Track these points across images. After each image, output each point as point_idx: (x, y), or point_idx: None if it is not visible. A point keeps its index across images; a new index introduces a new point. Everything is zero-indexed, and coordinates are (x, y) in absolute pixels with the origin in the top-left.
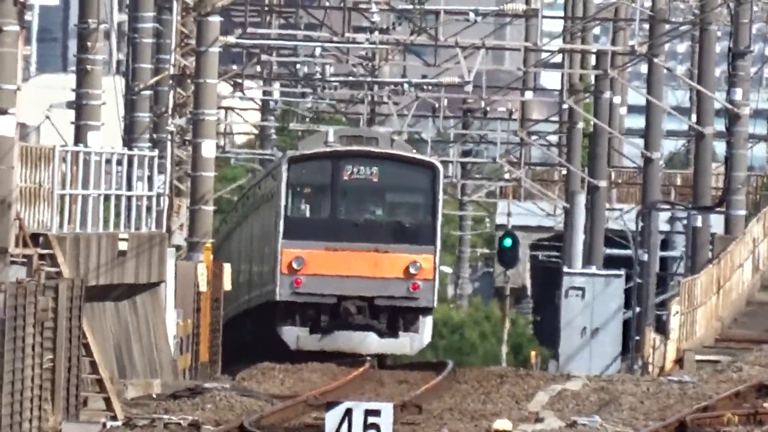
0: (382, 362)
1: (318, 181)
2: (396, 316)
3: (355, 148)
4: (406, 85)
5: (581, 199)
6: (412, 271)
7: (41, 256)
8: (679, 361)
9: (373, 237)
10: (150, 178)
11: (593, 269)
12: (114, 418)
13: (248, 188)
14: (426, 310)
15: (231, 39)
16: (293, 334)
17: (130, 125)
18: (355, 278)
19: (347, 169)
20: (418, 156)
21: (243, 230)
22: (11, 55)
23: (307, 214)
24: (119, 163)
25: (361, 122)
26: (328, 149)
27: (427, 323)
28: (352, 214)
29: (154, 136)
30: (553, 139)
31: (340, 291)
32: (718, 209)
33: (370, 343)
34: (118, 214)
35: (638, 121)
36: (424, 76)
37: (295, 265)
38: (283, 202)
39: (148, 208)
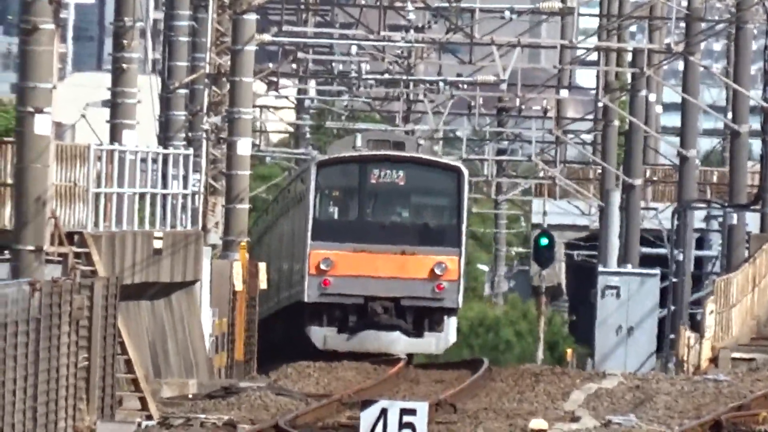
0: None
1: (346, 184)
2: (422, 317)
3: (382, 152)
4: (441, 84)
5: (616, 197)
6: (437, 272)
7: (77, 255)
8: (714, 360)
9: (400, 239)
10: (185, 177)
11: (628, 268)
12: (149, 417)
13: (280, 191)
14: (451, 311)
15: (267, 37)
16: (321, 334)
17: (166, 124)
18: (381, 279)
19: (374, 172)
20: (444, 160)
21: (274, 232)
22: (47, 53)
23: (335, 216)
24: (154, 161)
25: (397, 120)
26: (355, 153)
27: (452, 323)
28: (379, 216)
29: (190, 134)
30: (588, 137)
31: (367, 291)
32: (753, 207)
33: (397, 342)
34: (153, 213)
35: (674, 119)
36: (459, 75)
37: (323, 266)
38: (311, 205)
39: (184, 207)
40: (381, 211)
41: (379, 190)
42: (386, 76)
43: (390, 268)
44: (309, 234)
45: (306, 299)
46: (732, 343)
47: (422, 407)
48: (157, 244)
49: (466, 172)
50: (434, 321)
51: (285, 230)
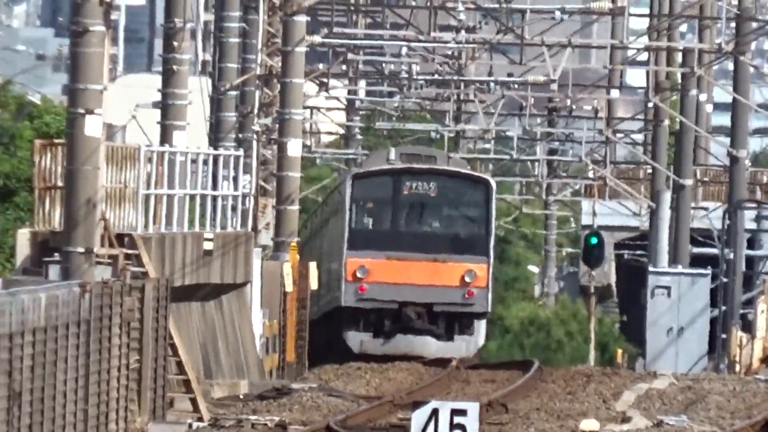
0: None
1: (380, 195)
2: (453, 321)
3: (414, 165)
4: (492, 84)
5: (667, 197)
6: (467, 279)
7: (127, 256)
8: (765, 360)
9: (431, 247)
10: (235, 178)
11: (679, 268)
12: (200, 418)
13: (321, 201)
14: (480, 315)
15: (317, 38)
16: (357, 339)
17: (216, 125)
18: (414, 286)
19: (407, 184)
20: (473, 172)
21: (316, 241)
22: (98, 55)
23: (370, 226)
24: (205, 162)
25: (447, 120)
26: (389, 166)
27: (481, 327)
28: (412, 226)
29: (240, 135)
30: (639, 137)
31: (401, 297)
32: None
33: (429, 346)
34: (203, 214)
35: (724, 119)
36: (510, 75)
37: (359, 274)
38: (347, 216)
39: (234, 208)
40: (413, 221)
41: (411, 201)
42: (436, 76)
43: (422, 275)
44: (345, 243)
45: (343, 304)
46: None
47: (473, 408)
48: (208, 245)
49: (493, 184)
50: (464, 325)
51: (325, 239)
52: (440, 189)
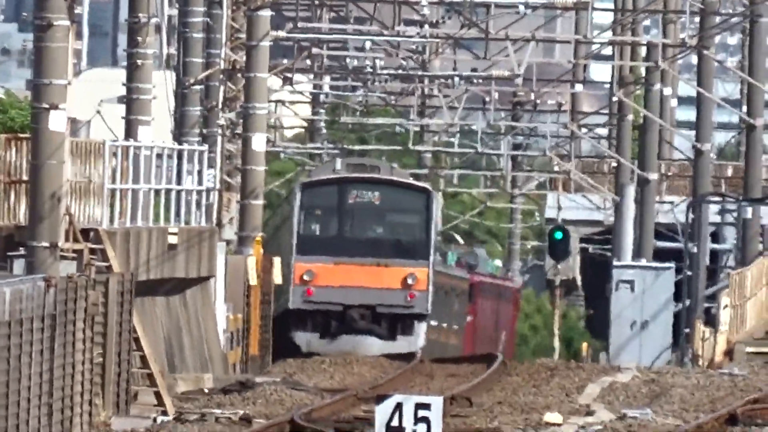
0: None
1: (327, 203)
2: (395, 322)
3: (359, 174)
4: (456, 79)
5: (631, 191)
6: (409, 282)
7: (91, 251)
8: (729, 354)
9: (375, 252)
10: (200, 173)
11: (643, 262)
12: (164, 412)
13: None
14: (421, 317)
15: (281, 33)
16: (305, 339)
17: (181, 120)
18: (359, 289)
19: (353, 193)
20: (414, 182)
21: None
22: (62, 50)
23: (318, 232)
24: (169, 157)
25: (412, 114)
26: (335, 176)
27: (422, 328)
28: (357, 232)
29: (204, 130)
30: (603, 131)
31: (346, 300)
32: None
33: (372, 345)
34: (168, 209)
35: (689, 113)
36: (474, 70)
37: (306, 278)
38: (296, 222)
39: (198, 203)
40: (358, 228)
41: (356, 208)
42: (401, 71)
43: (366, 278)
44: (294, 248)
45: (291, 307)
46: (747, 337)
47: (437, 401)
48: (172, 239)
49: (434, 193)
50: (406, 326)
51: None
52: (383, 197)
